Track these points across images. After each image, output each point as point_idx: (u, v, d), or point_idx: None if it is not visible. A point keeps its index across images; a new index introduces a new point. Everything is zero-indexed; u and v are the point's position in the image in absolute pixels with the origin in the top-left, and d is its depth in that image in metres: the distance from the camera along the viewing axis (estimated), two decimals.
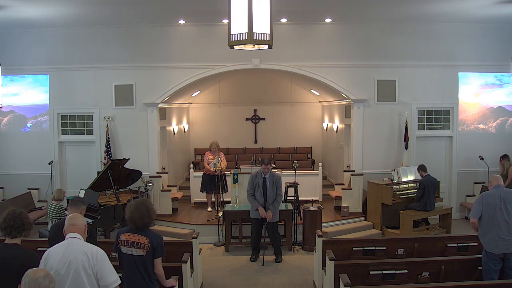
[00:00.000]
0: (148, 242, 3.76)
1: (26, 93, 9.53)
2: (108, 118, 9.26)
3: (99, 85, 9.34)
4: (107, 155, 9.07)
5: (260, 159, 8.22)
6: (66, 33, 9.16)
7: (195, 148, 13.56)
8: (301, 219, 8.01)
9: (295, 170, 8.31)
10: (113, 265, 3.27)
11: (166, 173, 9.91)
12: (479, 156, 9.47)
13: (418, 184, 8.25)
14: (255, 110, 13.75)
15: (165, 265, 4.01)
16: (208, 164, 8.94)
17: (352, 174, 9.16)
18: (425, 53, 9.23)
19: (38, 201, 9.42)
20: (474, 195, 9.37)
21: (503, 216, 4.83)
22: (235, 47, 3.98)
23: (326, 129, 12.86)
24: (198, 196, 9.73)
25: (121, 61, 9.24)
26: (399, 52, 9.21)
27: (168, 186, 9.67)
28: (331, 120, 12.14)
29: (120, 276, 3.39)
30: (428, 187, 7.89)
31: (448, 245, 5.72)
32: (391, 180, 8.67)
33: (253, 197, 7.06)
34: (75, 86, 9.39)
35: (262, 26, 3.81)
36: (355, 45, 9.23)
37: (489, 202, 4.90)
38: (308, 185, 9.63)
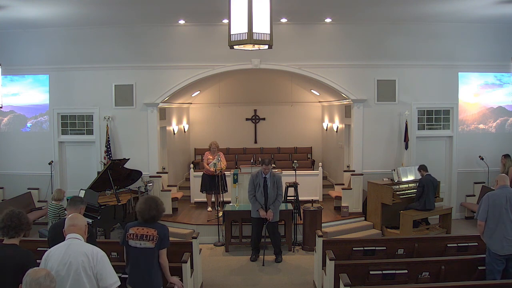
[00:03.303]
0: (157, 234, 3.87)
1: (26, 93, 9.53)
2: (108, 118, 9.26)
3: (99, 85, 9.34)
4: (107, 155, 9.07)
5: (260, 159, 8.21)
6: (66, 33, 9.16)
7: (195, 148, 13.56)
8: (301, 219, 8.01)
9: (295, 170, 8.31)
10: (113, 266, 3.26)
11: (166, 173, 9.91)
12: (479, 156, 9.47)
13: (417, 183, 8.26)
14: (255, 110, 13.76)
15: None
16: (208, 164, 8.94)
17: (352, 174, 9.16)
18: (425, 53, 9.23)
19: (38, 201, 9.42)
20: (474, 195, 9.38)
21: (508, 217, 4.81)
22: (235, 47, 3.98)
23: (326, 129, 12.86)
24: (198, 196, 9.73)
25: (121, 61, 9.24)
26: (399, 52, 9.21)
27: (168, 186, 9.67)
28: (331, 120, 12.14)
29: (121, 276, 3.39)
30: (427, 186, 7.89)
31: (448, 245, 5.73)
32: (391, 180, 8.68)
33: (254, 198, 7.06)
34: (75, 86, 9.39)
35: (262, 26, 3.81)
36: (355, 45, 9.23)
37: (495, 202, 4.87)
38: (308, 185, 9.63)
